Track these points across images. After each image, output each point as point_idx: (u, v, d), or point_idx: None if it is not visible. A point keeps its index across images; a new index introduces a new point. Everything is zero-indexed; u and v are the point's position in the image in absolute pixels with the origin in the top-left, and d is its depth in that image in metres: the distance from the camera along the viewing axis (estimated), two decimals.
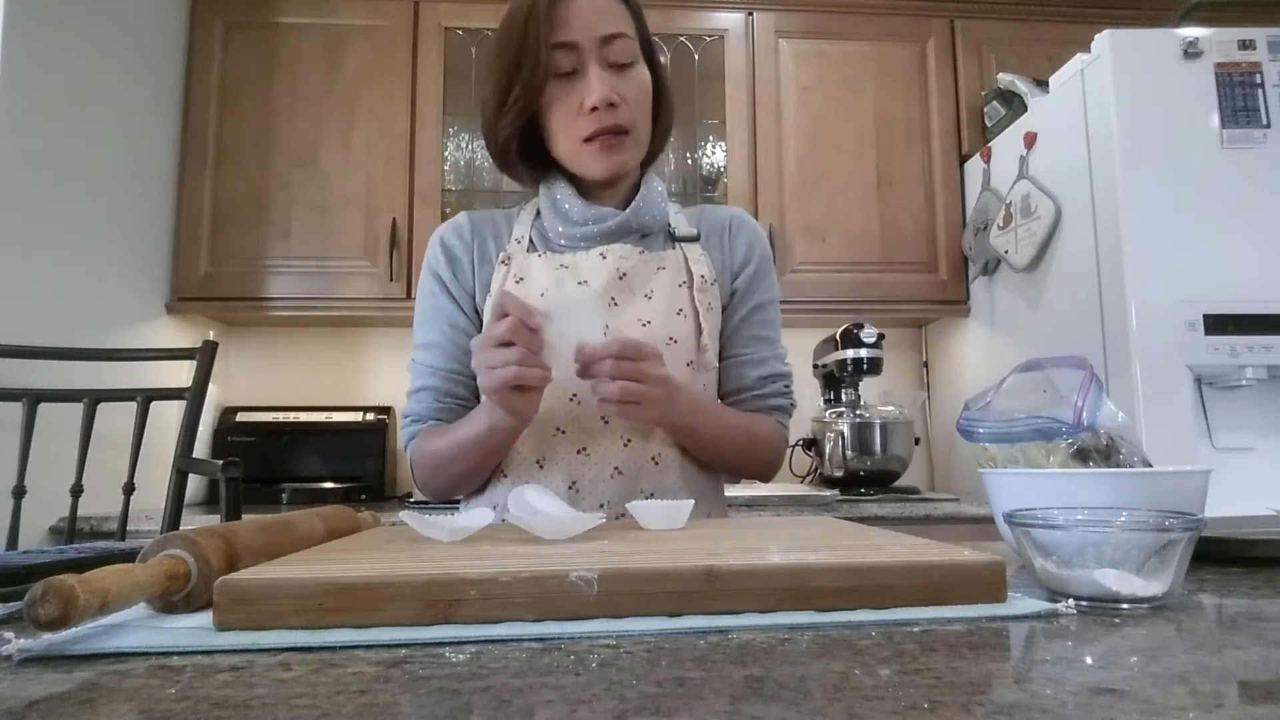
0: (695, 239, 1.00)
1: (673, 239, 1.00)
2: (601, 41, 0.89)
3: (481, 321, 0.98)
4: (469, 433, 0.87)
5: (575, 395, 0.90)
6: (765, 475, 1.01)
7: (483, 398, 0.85)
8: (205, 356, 1.49)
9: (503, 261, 0.97)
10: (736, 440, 0.95)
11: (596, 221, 0.95)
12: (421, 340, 0.98)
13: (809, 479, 2.26)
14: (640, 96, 0.92)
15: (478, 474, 0.93)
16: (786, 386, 1.01)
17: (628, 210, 0.96)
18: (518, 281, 0.95)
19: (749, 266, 1.01)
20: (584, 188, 0.98)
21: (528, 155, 0.97)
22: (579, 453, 0.90)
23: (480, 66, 0.98)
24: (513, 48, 0.89)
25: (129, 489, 1.42)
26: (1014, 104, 2.14)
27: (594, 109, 0.88)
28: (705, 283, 0.96)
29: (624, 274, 0.94)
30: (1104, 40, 1.68)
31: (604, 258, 0.95)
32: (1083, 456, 0.65)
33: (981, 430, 0.72)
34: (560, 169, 0.97)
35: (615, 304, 0.93)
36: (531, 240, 0.99)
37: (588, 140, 0.91)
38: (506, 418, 0.81)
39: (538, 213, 1.01)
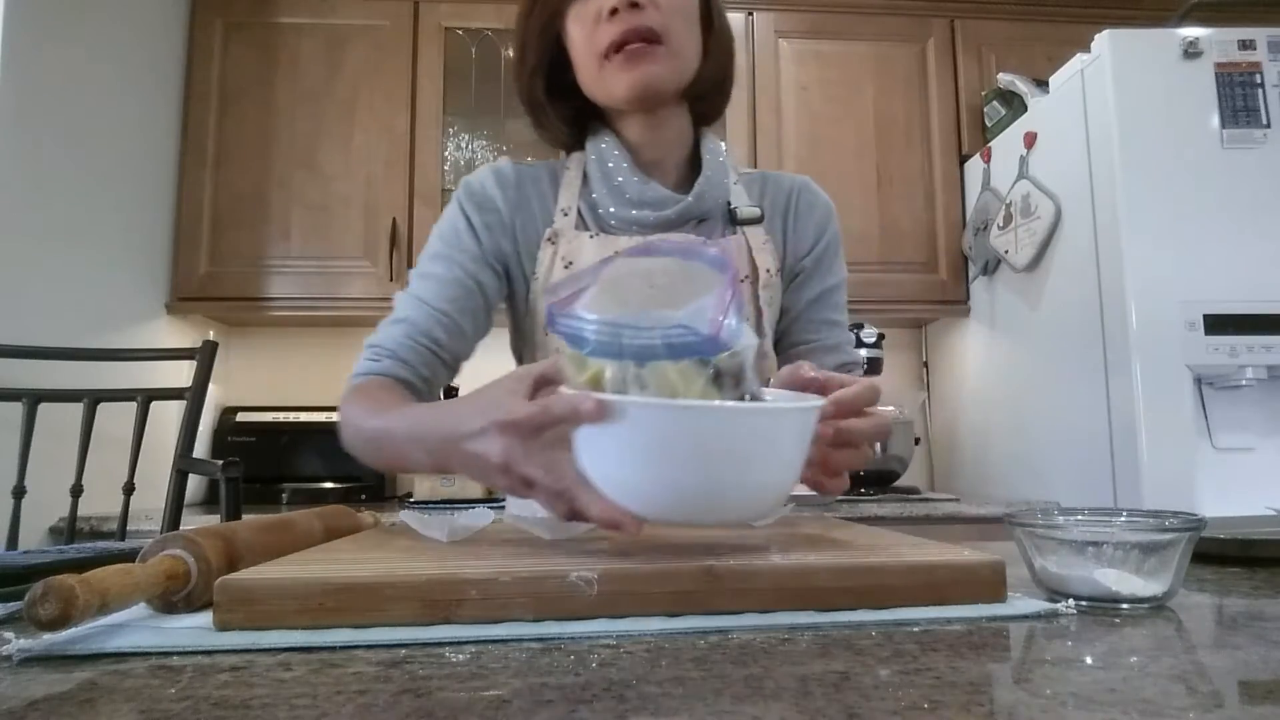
0: (758, 220, 0.90)
1: (733, 221, 0.90)
2: None
3: (505, 282, 0.88)
4: (404, 433, 0.69)
5: None
6: None
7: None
8: (205, 356, 1.49)
9: (549, 240, 0.86)
10: None
11: (654, 208, 0.85)
12: (421, 270, 0.86)
13: None
14: (676, 1, 0.80)
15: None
16: (862, 374, 0.94)
17: (690, 197, 0.86)
18: (567, 266, 0.84)
19: (818, 246, 0.93)
20: (637, 154, 0.87)
21: (562, 109, 0.88)
22: None
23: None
24: None
25: (129, 489, 1.42)
26: (1014, 104, 2.14)
27: (613, 11, 0.77)
28: (770, 277, 0.89)
29: None
30: (1104, 40, 1.68)
31: None
32: (719, 383, 0.50)
33: (590, 334, 0.49)
34: (607, 125, 0.87)
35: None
36: (580, 214, 0.88)
37: (608, 56, 0.79)
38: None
39: (584, 177, 0.89)
